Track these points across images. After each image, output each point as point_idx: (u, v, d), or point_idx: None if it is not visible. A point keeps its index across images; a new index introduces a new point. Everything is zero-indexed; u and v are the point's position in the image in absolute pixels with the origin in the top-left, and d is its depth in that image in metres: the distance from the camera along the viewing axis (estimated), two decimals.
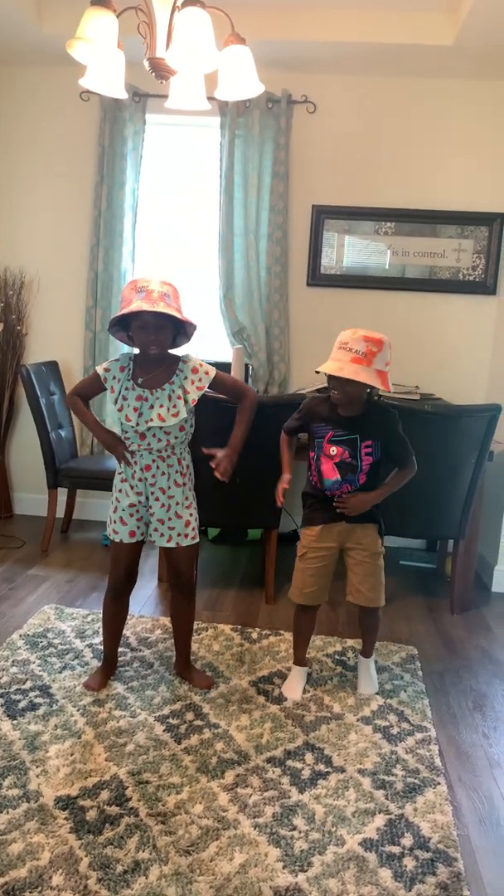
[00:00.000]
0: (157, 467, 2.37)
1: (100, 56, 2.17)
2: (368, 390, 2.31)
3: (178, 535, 2.43)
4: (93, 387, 2.39)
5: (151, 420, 2.27)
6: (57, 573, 3.51)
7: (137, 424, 2.28)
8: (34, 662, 2.62)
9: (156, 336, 2.24)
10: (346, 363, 2.18)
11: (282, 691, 2.54)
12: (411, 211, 3.97)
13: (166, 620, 3.04)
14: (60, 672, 2.57)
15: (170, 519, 2.41)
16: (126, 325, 2.28)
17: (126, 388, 2.30)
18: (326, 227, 4.03)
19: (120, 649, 2.75)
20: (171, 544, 2.42)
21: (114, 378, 2.32)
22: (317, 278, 4.08)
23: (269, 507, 3.27)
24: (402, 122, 3.92)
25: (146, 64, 2.21)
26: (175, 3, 2.12)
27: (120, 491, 2.41)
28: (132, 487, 2.38)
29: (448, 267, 4.00)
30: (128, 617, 3.04)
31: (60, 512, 4.11)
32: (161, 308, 2.15)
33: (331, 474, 2.38)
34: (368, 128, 3.94)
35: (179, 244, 4.20)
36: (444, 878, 1.74)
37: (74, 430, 4.10)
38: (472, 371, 4.09)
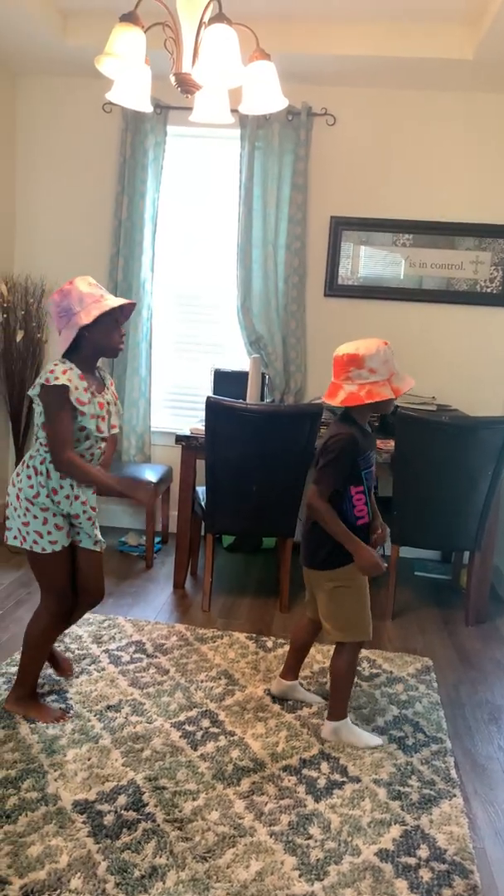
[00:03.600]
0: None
1: (127, 71, 2.21)
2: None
3: (98, 539, 2.33)
4: (71, 421, 2.11)
5: (114, 426, 2.29)
6: None
7: (105, 431, 2.23)
8: (51, 667, 2.64)
9: (124, 331, 2.25)
10: (327, 394, 2.20)
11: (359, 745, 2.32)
12: (429, 223, 3.98)
13: (182, 627, 3.05)
14: (77, 677, 2.59)
15: (92, 524, 2.29)
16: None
17: (89, 398, 2.15)
18: (344, 238, 4.06)
19: (136, 655, 2.78)
20: (97, 548, 2.32)
21: (76, 388, 2.10)
22: (334, 289, 4.10)
23: (284, 515, 3.30)
24: (422, 135, 3.95)
25: (172, 79, 2.24)
26: (202, 18, 2.16)
27: (39, 505, 2.18)
28: (58, 503, 2.20)
29: (465, 279, 4.01)
30: (143, 623, 3.07)
31: None
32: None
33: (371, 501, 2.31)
34: (387, 140, 3.97)
35: (198, 254, 4.24)
36: (461, 891, 1.74)
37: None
38: (490, 383, 4.09)
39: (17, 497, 2.20)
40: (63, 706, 2.39)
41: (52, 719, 2.30)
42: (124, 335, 2.27)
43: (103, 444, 2.28)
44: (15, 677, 2.38)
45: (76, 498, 2.22)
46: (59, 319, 2.15)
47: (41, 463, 2.18)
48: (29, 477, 2.18)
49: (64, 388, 2.06)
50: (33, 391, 2.13)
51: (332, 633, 2.29)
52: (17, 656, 2.68)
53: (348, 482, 2.19)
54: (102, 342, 2.16)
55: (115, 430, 2.31)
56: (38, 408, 2.15)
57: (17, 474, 2.21)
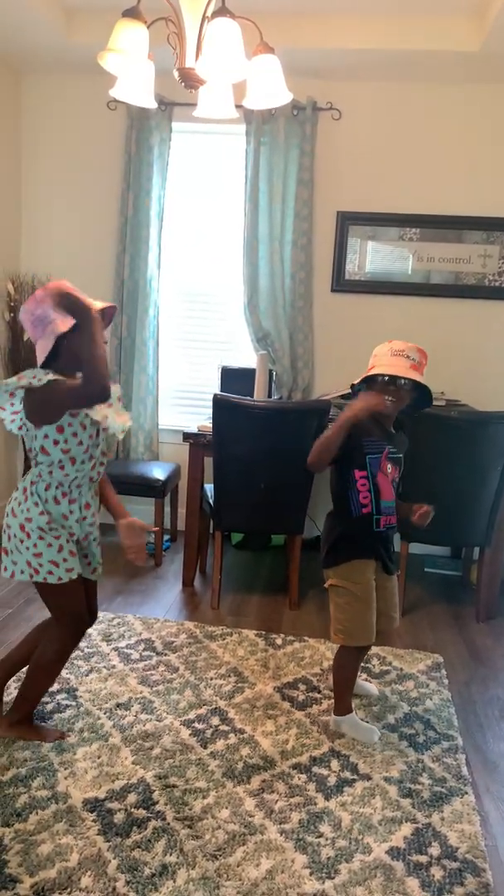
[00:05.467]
0: (93, 504, 2.13)
1: (130, 67, 2.20)
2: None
3: (100, 566, 2.22)
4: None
5: (120, 425, 2.07)
6: None
7: (109, 430, 2.06)
8: None
9: (107, 339, 2.00)
10: (407, 370, 2.12)
11: (360, 739, 2.31)
12: (436, 217, 3.95)
13: (191, 625, 3.05)
14: (87, 675, 2.59)
15: (97, 545, 2.18)
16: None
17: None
18: (351, 233, 4.04)
19: (146, 652, 2.78)
20: (94, 577, 2.20)
21: None
22: (341, 284, 4.08)
23: (293, 512, 3.29)
24: (428, 129, 3.92)
25: (176, 74, 2.23)
26: (205, 13, 2.15)
27: (52, 532, 2.01)
28: (70, 532, 2.06)
29: (474, 273, 3.98)
30: (153, 621, 3.07)
31: None
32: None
33: (389, 495, 2.23)
34: (394, 134, 3.94)
35: (205, 251, 4.23)
36: (473, 889, 1.73)
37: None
38: (499, 377, 4.07)
39: (23, 528, 2.00)
40: (72, 704, 2.39)
41: (53, 739, 2.18)
42: (107, 342, 2.02)
43: (104, 462, 2.13)
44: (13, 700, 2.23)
45: (83, 519, 2.09)
46: (35, 329, 1.93)
47: (46, 489, 2.01)
48: (36, 504, 2.00)
49: (54, 381, 1.88)
50: (13, 425, 1.99)
51: (331, 634, 2.30)
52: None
53: (353, 465, 2.19)
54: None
55: (126, 425, 2.11)
56: (30, 431, 1.97)
57: (19, 504, 2.02)
